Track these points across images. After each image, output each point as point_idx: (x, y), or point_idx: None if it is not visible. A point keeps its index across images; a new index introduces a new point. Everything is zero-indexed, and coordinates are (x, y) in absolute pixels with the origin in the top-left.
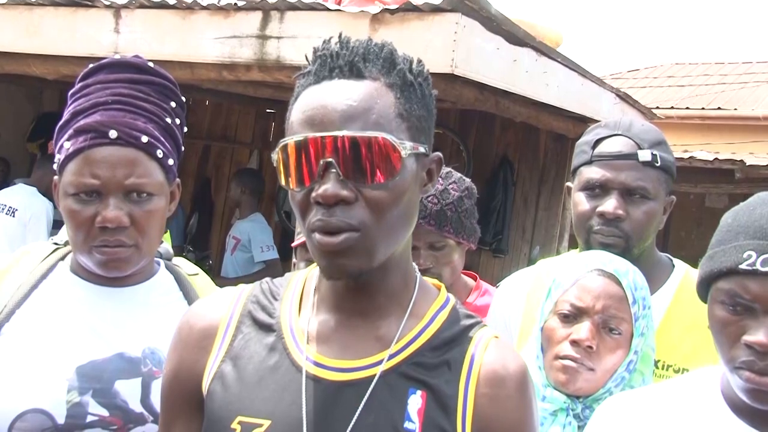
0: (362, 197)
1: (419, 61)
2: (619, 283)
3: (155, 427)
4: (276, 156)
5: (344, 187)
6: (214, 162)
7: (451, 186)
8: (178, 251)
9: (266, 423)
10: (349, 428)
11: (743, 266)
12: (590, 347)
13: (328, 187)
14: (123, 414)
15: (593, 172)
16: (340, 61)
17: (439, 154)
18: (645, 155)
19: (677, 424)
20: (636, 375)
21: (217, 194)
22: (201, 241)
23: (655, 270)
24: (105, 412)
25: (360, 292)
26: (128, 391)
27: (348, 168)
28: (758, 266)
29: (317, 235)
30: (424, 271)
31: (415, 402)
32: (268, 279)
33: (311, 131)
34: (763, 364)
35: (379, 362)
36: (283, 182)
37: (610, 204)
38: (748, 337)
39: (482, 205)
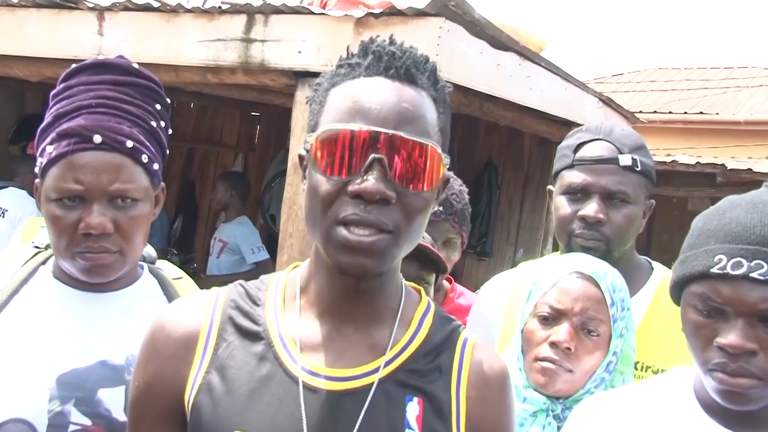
0: (400, 200)
1: (447, 83)
2: (597, 285)
3: None
4: (314, 139)
5: (389, 186)
6: (198, 165)
7: (459, 184)
8: (162, 254)
9: None
10: None
11: (714, 270)
12: (569, 349)
13: (373, 183)
14: (106, 423)
15: (574, 176)
16: (397, 63)
17: (450, 174)
18: (625, 160)
19: (651, 425)
20: (617, 375)
21: (202, 197)
22: (185, 244)
23: (634, 273)
24: (88, 421)
25: (359, 297)
26: (112, 399)
27: (396, 168)
28: (729, 270)
29: (344, 230)
30: None
31: (413, 409)
32: (242, 282)
33: (364, 123)
34: (735, 365)
35: (376, 370)
36: (315, 167)
37: (591, 208)
38: (720, 340)
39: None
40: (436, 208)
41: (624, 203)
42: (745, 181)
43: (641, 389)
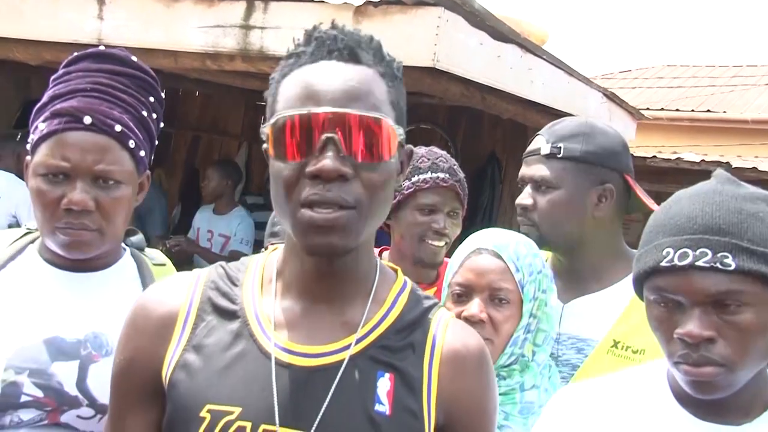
0: (358, 175)
1: (396, 59)
2: (499, 256)
3: (90, 411)
4: (269, 128)
5: (344, 163)
6: (202, 153)
7: (454, 162)
8: (159, 240)
9: (237, 410)
10: (321, 413)
11: (663, 263)
12: (482, 321)
13: (328, 162)
14: (57, 396)
15: (520, 170)
16: (339, 44)
17: (411, 147)
18: (546, 149)
19: (625, 416)
20: (539, 334)
21: None
22: (184, 232)
23: (617, 262)
24: (39, 393)
25: (331, 277)
26: (64, 373)
27: (349, 145)
28: (676, 261)
29: (308, 211)
30: (442, 236)
31: (384, 384)
32: (222, 263)
33: (313, 106)
34: (696, 355)
35: (347, 347)
36: (274, 154)
37: (520, 196)
38: (678, 330)
39: (469, 202)
40: (437, 174)
41: (549, 189)
42: (750, 179)
43: (616, 381)
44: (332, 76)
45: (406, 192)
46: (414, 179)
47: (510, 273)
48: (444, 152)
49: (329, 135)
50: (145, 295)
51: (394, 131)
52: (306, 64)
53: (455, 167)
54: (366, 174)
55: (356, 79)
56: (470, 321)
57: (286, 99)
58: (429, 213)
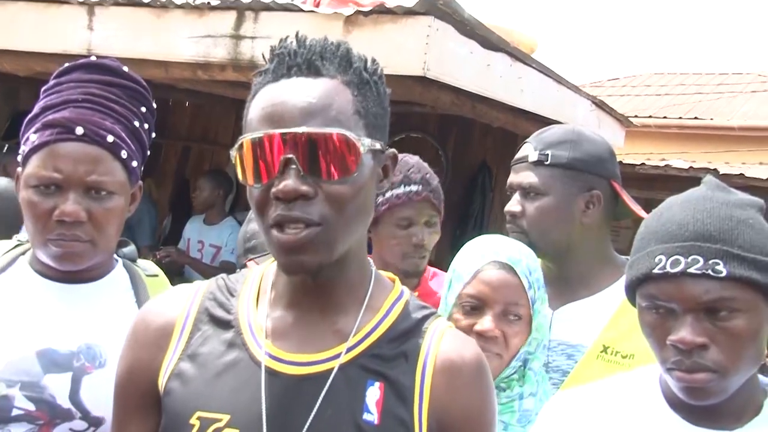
0: (322, 192)
1: (374, 60)
2: (514, 271)
3: (83, 424)
4: (235, 153)
5: (304, 182)
6: (193, 164)
7: (427, 167)
8: (149, 251)
9: (225, 417)
10: (309, 421)
11: (656, 270)
12: (495, 337)
13: (289, 182)
14: (49, 409)
15: (509, 177)
16: (298, 59)
17: (394, 150)
18: (533, 156)
19: (618, 422)
20: (532, 341)
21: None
22: (175, 242)
23: (606, 268)
24: (31, 406)
25: (318, 289)
26: (57, 385)
27: (308, 164)
28: (668, 268)
29: (276, 231)
30: (422, 249)
31: (374, 394)
32: (223, 275)
33: (271, 128)
34: (689, 361)
35: (338, 355)
36: (242, 179)
37: (509, 203)
38: (671, 337)
39: (460, 210)
40: (410, 188)
41: (538, 196)
42: (737, 185)
43: (610, 387)
44: (288, 95)
45: (381, 209)
46: (387, 195)
47: (523, 289)
48: (416, 161)
49: (287, 156)
50: (146, 307)
51: (353, 143)
52: (269, 83)
53: (428, 176)
54: (330, 190)
55: (313, 94)
56: (483, 336)
57: (249, 122)
58: (406, 227)
